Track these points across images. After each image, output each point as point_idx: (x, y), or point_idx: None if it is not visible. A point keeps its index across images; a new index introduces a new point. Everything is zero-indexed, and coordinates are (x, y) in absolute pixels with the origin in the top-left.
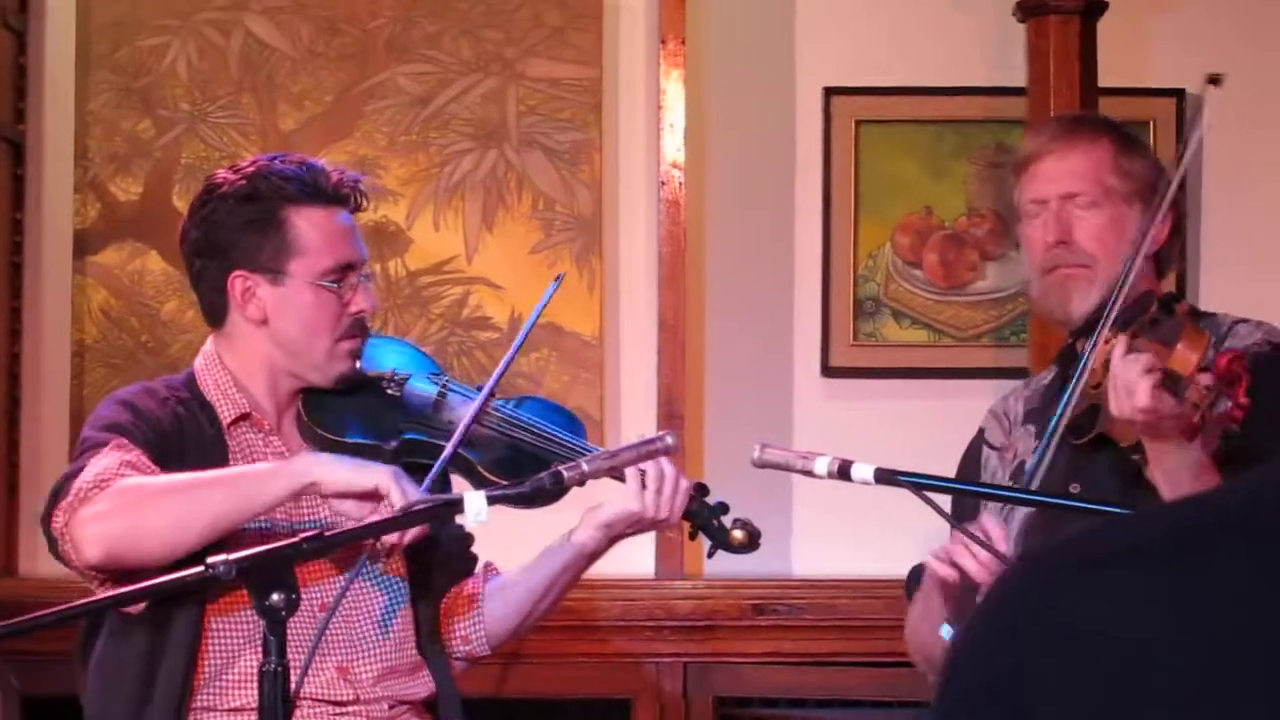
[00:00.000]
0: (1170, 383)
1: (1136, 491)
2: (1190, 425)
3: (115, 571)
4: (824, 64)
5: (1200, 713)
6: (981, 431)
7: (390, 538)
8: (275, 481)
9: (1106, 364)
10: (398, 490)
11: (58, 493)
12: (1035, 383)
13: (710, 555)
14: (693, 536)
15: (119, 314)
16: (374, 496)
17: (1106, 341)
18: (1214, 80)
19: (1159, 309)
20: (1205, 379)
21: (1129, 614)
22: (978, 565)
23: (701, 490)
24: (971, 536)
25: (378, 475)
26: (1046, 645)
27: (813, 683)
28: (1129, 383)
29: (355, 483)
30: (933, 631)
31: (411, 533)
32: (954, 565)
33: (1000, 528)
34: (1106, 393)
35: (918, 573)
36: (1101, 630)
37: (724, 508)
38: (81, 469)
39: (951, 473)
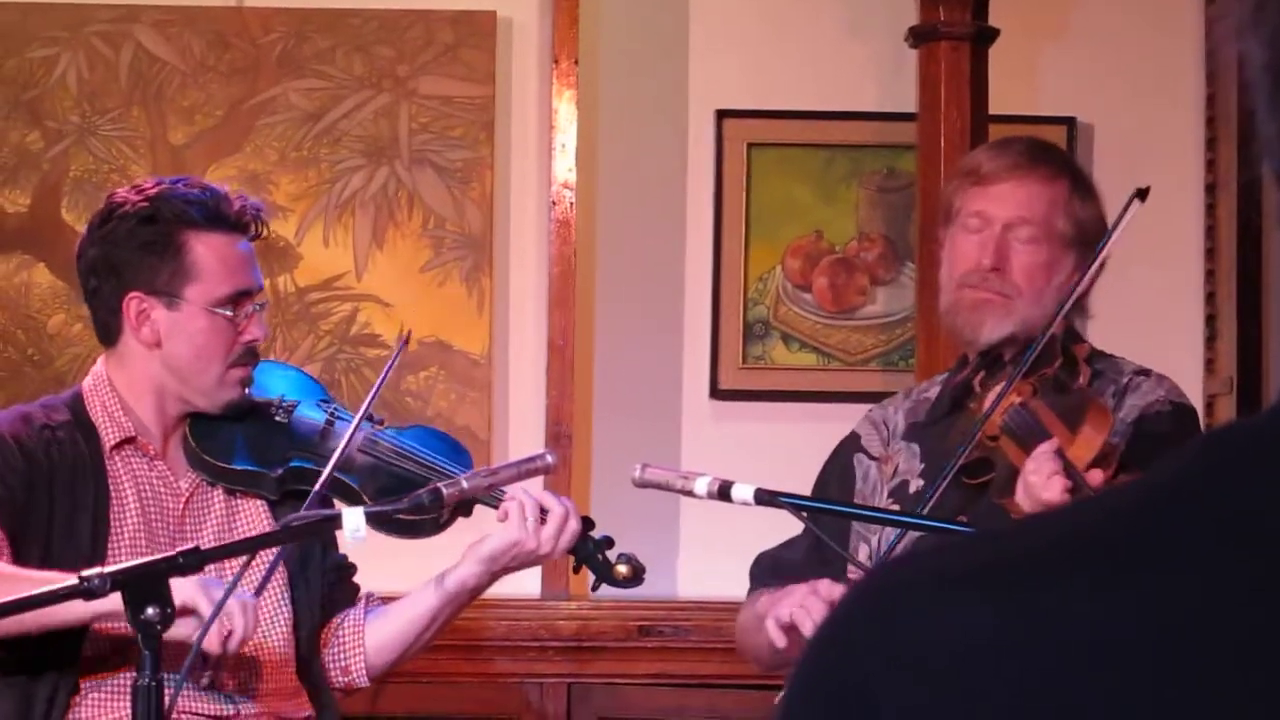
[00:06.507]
0: (1069, 477)
1: None
2: None
3: None
4: (716, 86)
5: None
6: (857, 438)
7: (218, 648)
8: (73, 602)
9: (1002, 422)
10: (205, 600)
11: None
12: (916, 394)
13: (594, 589)
14: (576, 570)
15: (4, 327)
16: (184, 612)
17: (1018, 393)
18: (1142, 195)
19: (1063, 366)
20: (1101, 477)
21: (975, 634)
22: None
23: (587, 524)
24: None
25: (181, 592)
26: (890, 663)
27: (697, 705)
28: (1040, 494)
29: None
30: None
31: (234, 643)
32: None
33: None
34: (1002, 453)
35: (766, 560)
36: (947, 650)
37: (609, 542)
38: None
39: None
